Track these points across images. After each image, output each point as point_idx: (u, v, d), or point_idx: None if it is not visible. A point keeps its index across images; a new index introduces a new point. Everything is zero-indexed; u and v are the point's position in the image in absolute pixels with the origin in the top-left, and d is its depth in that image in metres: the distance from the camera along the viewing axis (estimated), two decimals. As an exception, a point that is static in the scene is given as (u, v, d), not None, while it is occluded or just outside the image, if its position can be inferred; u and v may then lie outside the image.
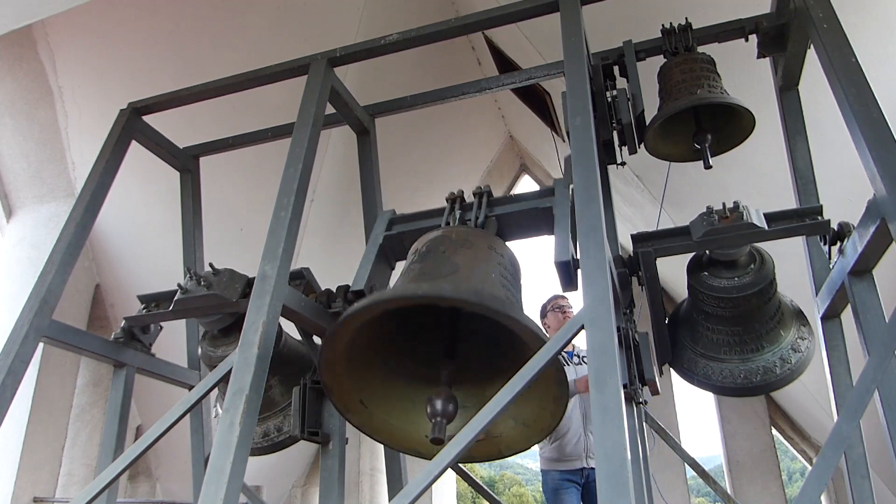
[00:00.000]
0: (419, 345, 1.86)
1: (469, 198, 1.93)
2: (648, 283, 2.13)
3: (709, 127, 2.34)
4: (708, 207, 2.04)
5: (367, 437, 1.81)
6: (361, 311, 1.49)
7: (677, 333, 2.30)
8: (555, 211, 1.74)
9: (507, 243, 1.83)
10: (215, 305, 2.24)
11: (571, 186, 1.65)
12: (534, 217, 1.84)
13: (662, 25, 2.38)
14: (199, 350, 2.58)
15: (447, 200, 1.94)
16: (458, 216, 1.88)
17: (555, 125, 6.10)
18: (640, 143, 2.31)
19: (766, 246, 2.35)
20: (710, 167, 2.28)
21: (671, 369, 2.36)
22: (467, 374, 1.80)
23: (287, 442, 2.41)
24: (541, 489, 4.61)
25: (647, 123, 2.32)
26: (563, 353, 4.62)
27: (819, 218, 2.00)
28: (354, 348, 1.68)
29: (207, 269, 2.32)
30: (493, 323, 1.49)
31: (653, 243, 2.13)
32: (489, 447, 1.73)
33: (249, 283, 2.23)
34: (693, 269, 2.18)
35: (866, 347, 1.79)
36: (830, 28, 1.83)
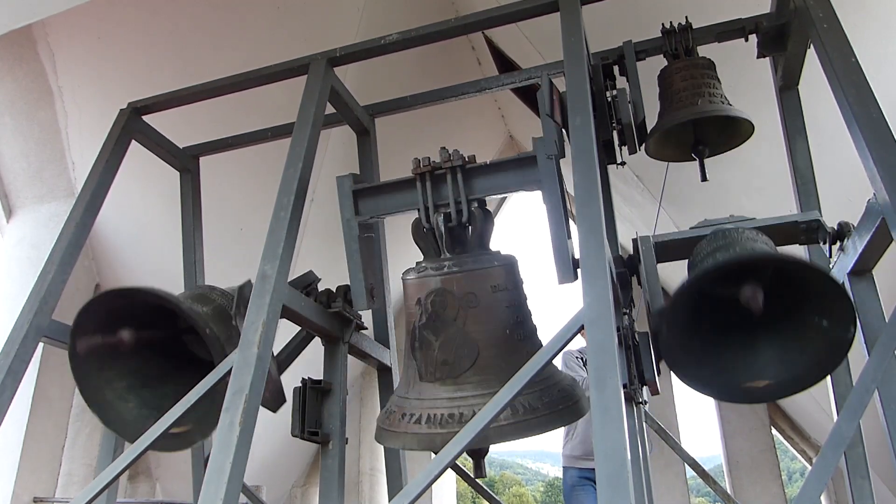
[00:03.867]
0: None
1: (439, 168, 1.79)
2: (647, 269, 2.11)
3: (708, 132, 2.36)
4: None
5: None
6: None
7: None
8: (542, 189, 1.67)
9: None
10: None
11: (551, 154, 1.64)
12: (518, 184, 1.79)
13: (662, 25, 2.38)
14: None
15: (414, 174, 1.82)
16: (430, 196, 1.80)
17: (555, 125, 6.08)
18: (640, 146, 2.32)
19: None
20: (707, 180, 2.31)
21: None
22: None
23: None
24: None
25: (649, 133, 2.34)
26: (580, 356, 4.63)
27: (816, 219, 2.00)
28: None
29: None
30: None
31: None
32: None
33: None
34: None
35: (866, 347, 1.79)
36: (830, 28, 1.83)
